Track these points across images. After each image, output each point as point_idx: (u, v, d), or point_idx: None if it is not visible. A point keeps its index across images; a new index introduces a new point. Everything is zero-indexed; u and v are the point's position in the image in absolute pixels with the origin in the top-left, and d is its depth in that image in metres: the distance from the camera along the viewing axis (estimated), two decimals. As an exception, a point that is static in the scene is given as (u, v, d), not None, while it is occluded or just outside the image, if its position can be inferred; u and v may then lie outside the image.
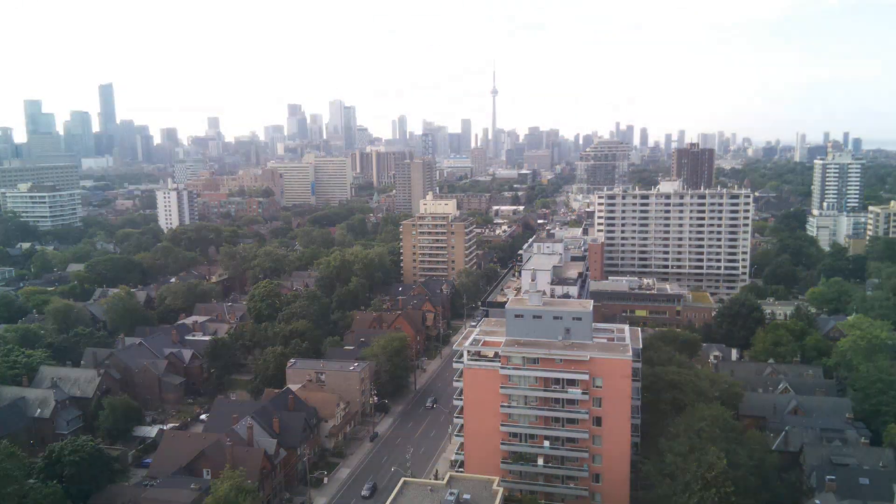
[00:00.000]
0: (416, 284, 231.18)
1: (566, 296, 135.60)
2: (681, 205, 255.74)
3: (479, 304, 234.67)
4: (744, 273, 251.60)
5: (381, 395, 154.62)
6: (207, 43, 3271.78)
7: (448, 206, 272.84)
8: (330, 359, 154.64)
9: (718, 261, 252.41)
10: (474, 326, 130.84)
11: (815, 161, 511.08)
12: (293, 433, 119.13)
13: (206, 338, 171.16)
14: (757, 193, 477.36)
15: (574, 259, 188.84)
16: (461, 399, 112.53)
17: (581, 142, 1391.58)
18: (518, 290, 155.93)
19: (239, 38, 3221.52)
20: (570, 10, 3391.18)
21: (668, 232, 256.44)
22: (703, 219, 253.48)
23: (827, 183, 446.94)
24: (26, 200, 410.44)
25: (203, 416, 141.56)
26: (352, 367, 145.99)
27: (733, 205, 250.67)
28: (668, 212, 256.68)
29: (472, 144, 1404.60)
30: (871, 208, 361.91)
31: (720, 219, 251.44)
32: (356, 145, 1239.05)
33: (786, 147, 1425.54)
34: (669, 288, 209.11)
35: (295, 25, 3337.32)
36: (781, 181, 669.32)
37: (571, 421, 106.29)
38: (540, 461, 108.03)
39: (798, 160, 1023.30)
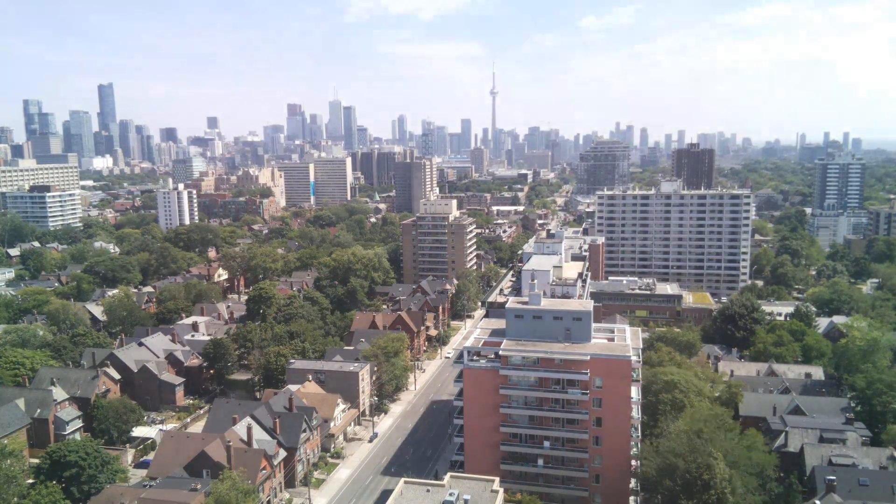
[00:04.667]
0: (416, 284, 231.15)
1: (566, 296, 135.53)
2: (681, 205, 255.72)
3: (482, 304, 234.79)
4: (744, 273, 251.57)
5: (380, 396, 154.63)
6: (207, 43, 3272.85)
7: (448, 206, 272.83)
8: (330, 359, 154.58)
9: (718, 261, 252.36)
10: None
11: (816, 161, 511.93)
12: (293, 433, 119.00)
13: (206, 338, 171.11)
14: (757, 193, 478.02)
15: (574, 259, 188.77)
16: (461, 399, 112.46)
17: (581, 142, 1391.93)
18: (518, 290, 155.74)
19: (239, 37, 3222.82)
20: (570, 10, 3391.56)
21: (668, 232, 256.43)
22: (703, 219, 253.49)
23: (827, 183, 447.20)
24: (26, 200, 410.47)
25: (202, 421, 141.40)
26: (352, 367, 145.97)
27: (733, 205, 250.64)
28: (668, 212, 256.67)
29: (472, 144, 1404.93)
30: (871, 208, 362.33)
31: (720, 219, 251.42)
32: (356, 145, 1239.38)
33: (786, 147, 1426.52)
34: (669, 288, 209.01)
35: (294, 25, 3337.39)
36: (781, 181, 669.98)
37: (571, 421, 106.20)
38: (540, 462, 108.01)
39: (798, 160, 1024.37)
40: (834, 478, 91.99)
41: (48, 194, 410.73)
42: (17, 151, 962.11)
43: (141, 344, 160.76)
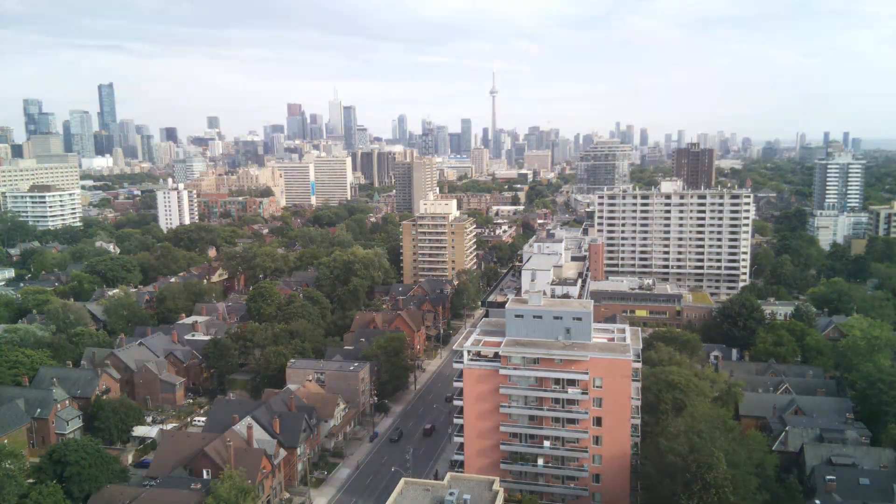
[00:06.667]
0: (416, 284, 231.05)
1: (566, 296, 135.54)
2: (681, 205, 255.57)
3: (482, 303, 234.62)
4: (744, 273, 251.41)
5: (381, 395, 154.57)
6: (207, 42, 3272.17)
7: (448, 206, 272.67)
8: (330, 359, 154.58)
9: (719, 261, 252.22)
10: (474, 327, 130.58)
11: (816, 161, 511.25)
12: (293, 433, 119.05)
13: (206, 338, 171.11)
14: (757, 194, 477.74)
15: (574, 259, 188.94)
16: (461, 399, 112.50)
17: (581, 142, 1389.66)
18: (518, 290, 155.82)
19: (238, 36, 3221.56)
20: (570, 9, 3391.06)
21: (668, 232, 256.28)
22: (703, 219, 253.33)
23: (828, 183, 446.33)
24: (26, 200, 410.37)
25: (202, 418, 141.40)
26: (352, 367, 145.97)
27: (733, 205, 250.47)
28: (668, 212, 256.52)
29: (472, 144, 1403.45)
30: (871, 208, 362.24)
31: (720, 219, 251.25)
32: (356, 145, 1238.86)
33: (786, 147, 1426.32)
34: (669, 288, 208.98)
35: (294, 25, 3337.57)
36: (782, 181, 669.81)
37: (571, 421, 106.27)
38: (540, 461, 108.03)
39: (798, 160, 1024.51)
40: (834, 478, 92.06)
41: (48, 194, 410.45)
42: (17, 151, 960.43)
43: (141, 343, 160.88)
